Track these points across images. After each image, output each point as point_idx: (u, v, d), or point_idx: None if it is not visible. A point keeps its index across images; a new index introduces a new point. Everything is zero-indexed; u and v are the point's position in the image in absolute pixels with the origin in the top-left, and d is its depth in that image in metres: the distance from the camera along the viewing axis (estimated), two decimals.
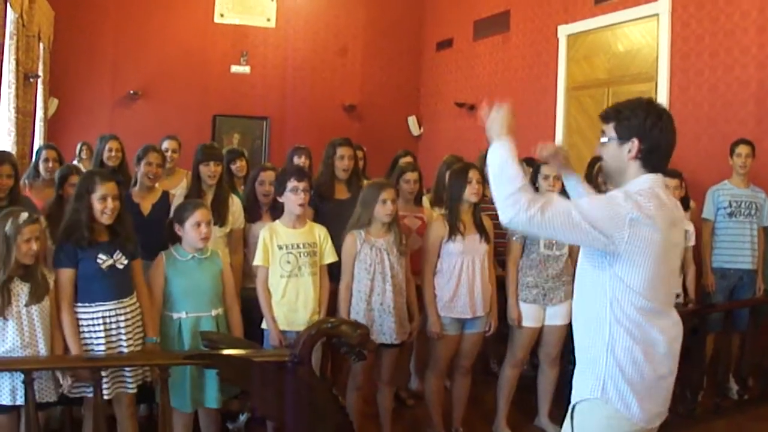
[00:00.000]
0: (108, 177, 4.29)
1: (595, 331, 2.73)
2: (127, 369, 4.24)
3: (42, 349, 4.00)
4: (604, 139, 2.83)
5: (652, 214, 2.57)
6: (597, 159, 7.52)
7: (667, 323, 2.71)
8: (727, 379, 6.34)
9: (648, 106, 2.76)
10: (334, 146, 5.79)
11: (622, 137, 2.75)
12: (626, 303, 2.64)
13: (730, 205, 6.39)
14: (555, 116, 9.97)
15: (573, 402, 2.80)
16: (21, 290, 3.92)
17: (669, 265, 2.72)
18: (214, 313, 4.56)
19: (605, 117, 2.84)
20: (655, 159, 2.73)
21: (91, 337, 4.15)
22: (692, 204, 6.62)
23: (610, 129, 2.80)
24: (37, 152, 6.53)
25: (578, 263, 2.90)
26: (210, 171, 5.43)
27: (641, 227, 2.56)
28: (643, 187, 2.68)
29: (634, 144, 2.72)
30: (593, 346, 2.73)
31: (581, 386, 2.77)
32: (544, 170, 5.23)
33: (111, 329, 4.18)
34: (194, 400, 4.46)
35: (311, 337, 3.98)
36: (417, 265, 5.17)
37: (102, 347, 4.14)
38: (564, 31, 9.91)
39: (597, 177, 5.85)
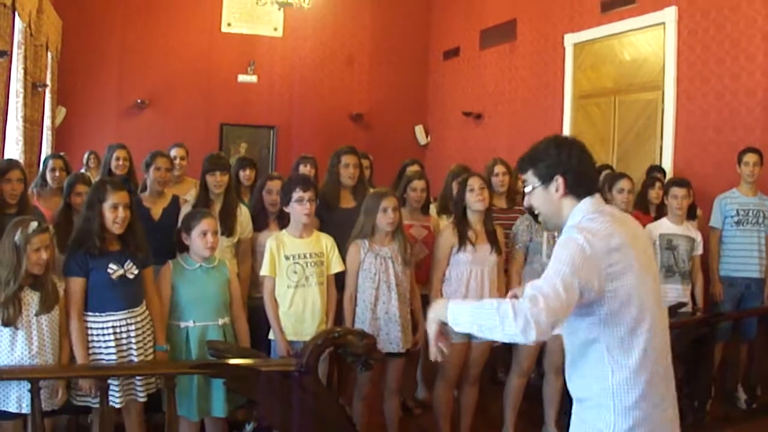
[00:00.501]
0: (119, 186, 4.30)
1: (593, 377, 2.63)
2: (138, 378, 4.24)
3: (50, 359, 4.00)
4: (527, 189, 2.79)
5: (610, 233, 2.51)
6: (603, 168, 7.55)
7: (660, 342, 2.64)
8: (735, 389, 6.32)
9: (556, 141, 2.76)
10: (338, 155, 5.76)
11: (544, 180, 2.71)
12: (608, 341, 2.55)
13: (738, 214, 6.37)
14: (562, 125, 9.95)
15: None
16: (31, 299, 3.92)
17: (650, 272, 2.63)
18: (221, 322, 4.57)
19: (521, 167, 2.82)
20: (584, 186, 2.68)
21: (101, 347, 4.15)
22: (699, 212, 6.61)
23: (530, 176, 2.77)
24: (44, 161, 6.55)
25: None
26: (216, 180, 5.44)
27: (611, 253, 2.48)
28: (586, 214, 2.62)
29: (558, 182, 2.68)
30: (598, 388, 2.61)
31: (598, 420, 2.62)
32: None
33: (122, 339, 4.18)
34: (201, 408, 4.45)
35: (318, 346, 3.99)
36: (425, 274, 5.17)
37: (113, 357, 4.14)
38: (570, 39, 9.92)
39: (603, 186, 5.86)
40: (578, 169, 2.67)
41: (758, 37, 7.20)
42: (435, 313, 2.68)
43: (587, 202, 2.66)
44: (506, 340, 2.49)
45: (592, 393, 2.62)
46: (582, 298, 2.45)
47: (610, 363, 2.55)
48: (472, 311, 2.53)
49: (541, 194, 2.74)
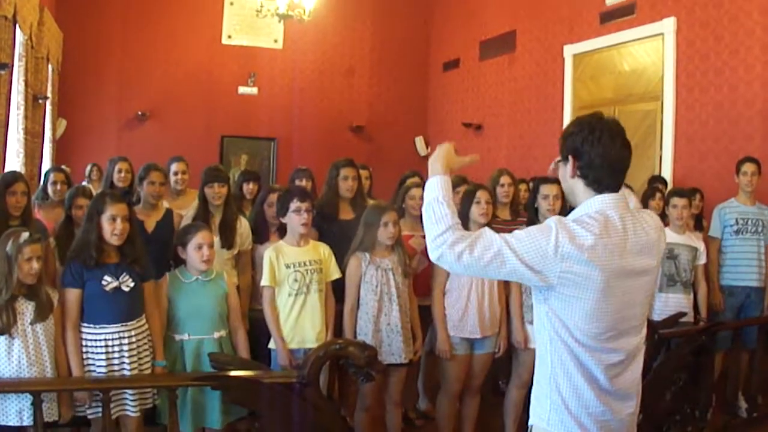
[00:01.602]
0: (118, 198, 4.31)
1: (541, 360, 2.65)
2: (129, 392, 4.22)
3: (48, 367, 4.01)
4: (555, 161, 2.75)
5: (589, 245, 2.42)
6: None
7: (612, 358, 2.54)
8: (736, 398, 6.31)
9: (586, 121, 2.63)
10: (337, 167, 5.77)
11: (564, 157, 2.66)
12: (565, 338, 2.52)
13: (737, 223, 6.38)
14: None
15: (530, 423, 2.73)
16: (25, 309, 3.92)
17: (620, 298, 2.51)
18: (216, 335, 4.56)
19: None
20: (595, 176, 2.57)
21: (93, 359, 4.15)
22: (705, 224, 6.63)
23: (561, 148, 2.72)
24: (45, 174, 6.57)
25: None
26: (215, 192, 5.45)
27: (573, 261, 2.42)
28: (589, 211, 2.56)
29: (570, 162, 2.62)
30: (542, 375, 2.65)
31: (535, 410, 2.69)
32: (543, 190, 5.20)
33: (113, 352, 4.16)
34: (194, 421, 4.43)
35: (319, 358, 4.00)
36: (425, 285, 5.18)
37: (103, 369, 4.13)
38: (570, 50, 9.96)
39: None
40: (590, 157, 2.56)
41: (757, 48, 7.23)
42: (434, 170, 2.70)
43: (599, 200, 2.57)
44: (426, 236, 2.55)
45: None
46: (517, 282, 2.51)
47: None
48: (437, 201, 2.57)
49: (561, 169, 2.69)
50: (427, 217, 2.57)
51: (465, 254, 2.44)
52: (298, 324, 4.81)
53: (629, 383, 2.60)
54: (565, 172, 2.66)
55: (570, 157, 2.61)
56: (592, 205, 2.57)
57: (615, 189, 2.58)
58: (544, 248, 2.43)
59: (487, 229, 2.55)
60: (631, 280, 2.53)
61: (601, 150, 2.54)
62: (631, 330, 2.58)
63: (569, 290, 2.47)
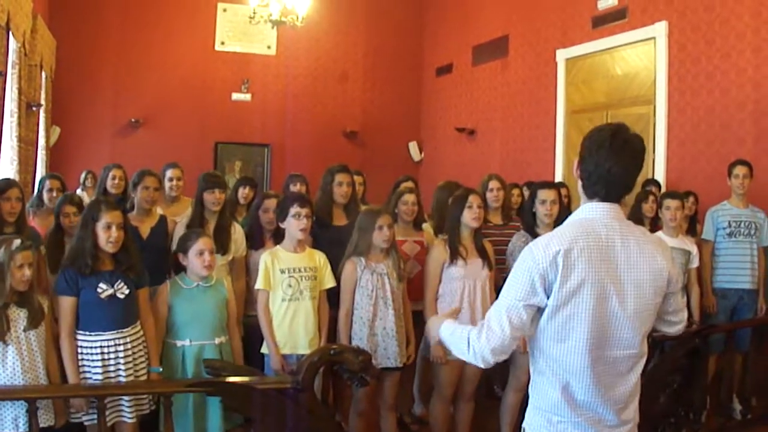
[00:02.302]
0: (113, 206, 4.32)
1: (531, 364, 2.74)
2: (125, 399, 4.22)
3: (41, 374, 4.01)
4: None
5: (565, 249, 2.48)
6: None
7: (596, 368, 2.55)
8: (730, 400, 6.31)
9: (599, 129, 2.66)
10: (332, 173, 5.77)
11: (578, 156, 2.70)
12: (543, 346, 2.60)
13: (730, 225, 6.40)
14: (555, 140, 10.02)
15: (523, 425, 2.80)
16: (18, 316, 3.92)
17: (602, 307, 2.52)
18: (217, 341, 4.58)
19: None
20: (589, 183, 2.62)
21: (88, 366, 4.15)
22: (699, 228, 6.66)
23: None
24: (40, 182, 6.56)
25: None
26: (215, 198, 5.46)
27: (553, 272, 2.49)
28: (574, 218, 2.65)
29: (575, 164, 2.70)
30: (531, 381, 2.74)
31: (527, 412, 2.77)
32: (541, 195, 5.23)
33: (109, 359, 4.17)
34: (197, 428, 4.45)
35: (313, 363, 4.00)
36: (417, 290, 5.18)
37: (99, 376, 4.13)
38: (562, 55, 9.99)
39: None
40: (588, 166, 2.61)
41: (748, 51, 7.26)
42: (434, 330, 2.88)
43: (587, 207, 2.63)
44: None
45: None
46: (537, 314, 2.58)
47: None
48: (451, 336, 2.77)
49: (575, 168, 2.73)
50: (456, 349, 2.72)
51: (490, 356, 2.59)
52: (291, 330, 4.81)
53: (614, 397, 2.59)
54: (575, 172, 2.73)
55: (576, 162, 2.68)
56: (579, 211, 2.65)
57: (606, 198, 2.60)
58: (528, 272, 2.53)
59: (490, 312, 2.66)
60: (614, 288, 2.53)
61: (597, 159, 2.58)
62: (618, 342, 2.56)
63: (552, 298, 2.52)
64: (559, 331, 2.53)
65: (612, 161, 2.55)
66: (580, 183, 2.68)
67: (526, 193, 6.89)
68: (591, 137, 2.63)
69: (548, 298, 2.52)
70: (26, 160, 8.74)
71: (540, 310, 2.56)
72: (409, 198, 5.77)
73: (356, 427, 5.03)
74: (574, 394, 2.55)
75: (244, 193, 6.33)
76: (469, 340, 2.61)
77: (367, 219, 4.96)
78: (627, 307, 2.53)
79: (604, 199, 2.60)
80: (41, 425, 3.93)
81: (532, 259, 2.52)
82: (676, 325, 2.85)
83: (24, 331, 3.92)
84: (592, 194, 2.63)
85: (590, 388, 2.54)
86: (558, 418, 2.58)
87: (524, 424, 2.76)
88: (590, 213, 2.61)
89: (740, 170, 6.42)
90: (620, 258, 2.53)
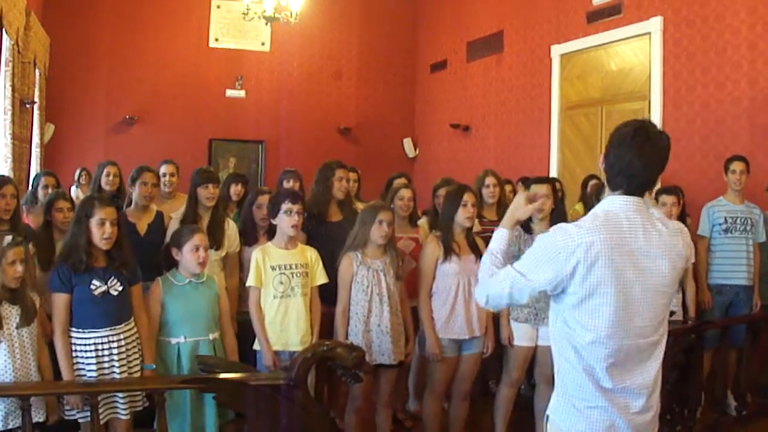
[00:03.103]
0: (107, 202, 4.29)
1: (556, 351, 2.80)
2: (119, 395, 4.21)
3: (33, 372, 4.00)
4: None
5: (587, 242, 2.54)
6: (590, 178, 7.60)
7: (616, 356, 2.60)
8: (725, 396, 6.31)
9: (625, 124, 2.72)
10: (332, 168, 5.71)
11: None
12: (569, 334, 2.67)
13: (726, 222, 6.38)
14: (549, 136, 10.01)
15: (546, 413, 2.85)
16: (10, 313, 3.90)
17: (623, 295, 2.57)
18: (211, 337, 4.57)
19: None
20: (614, 178, 2.68)
21: (82, 363, 4.13)
22: (689, 221, 6.64)
23: None
24: (35, 178, 6.55)
25: None
26: (209, 193, 5.44)
27: (575, 260, 2.55)
28: (597, 210, 2.71)
29: (602, 158, 2.76)
30: (556, 370, 2.81)
31: (552, 402, 2.82)
32: (534, 190, 5.20)
33: (103, 356, 4.15)
34: (194, 425, 4.43)
35: (306, 360, 3.99)
36: (412, 287, 5.17)
37: (93, 373, 4.12)
38: (557, 50, 9.98)
39: (592, 196, 5.86)
40: (612, 159, 2.68)
41: (743, 46, 7.26)
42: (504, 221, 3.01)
43: (609, 200, 2.70)
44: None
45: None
46: (543, 294, 2.73)
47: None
48: (492, 254, 2.90)
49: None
50: (482, 262, 2.93)
51: (485, 302, 2.85)
52: (283, 327, 4.80)
53: (639, 383, 2.65)
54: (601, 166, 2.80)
55: (602, 155, 2.75)
56: (603, 204, 2.71)
57: (628, 192, 2.66)
58: (546, 256, 2.62)
59: (507, 268, 2.77)
60: (637, 278, 2.59)
61: (619, 153, 2.65)
62: (641, 330, 2.63)
63: (576, 288, 2.58)
64: (585, 319, 2.59)
65: (633, 155, 2.62)
66: (605, 176, 2.75)
67: (520, 189, 6.89)
68: (616, 132, 2.70)
69: (567, 286, 2.60)
70: (20, 158, 8.72)
71: (551, 295, 2.71)
72: (406, 194, 5.77)
73: (352, 423, 5.02)
74: (600, 381, 2.61)
75: (236, 189, 6.31)
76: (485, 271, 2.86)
77: (368, 213, 4.95)
78: (648, 295, 2.61)
79: (626, 192, 2.66)
80: (35, 420, 3.92)
81: (554, 246, 2.60)
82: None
83: (17, 328, 3.91)
84: (615, 187, 2.69)
85: (616, 374, 2.60)
86: (585, 403, 2.64)
87: (548, 411, 2.81)
88: (613, 206, 2.67)
89: (737, 166, 6.40)
90: (642, 250, 2.60)
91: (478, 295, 2.89)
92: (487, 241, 5.16)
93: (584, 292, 2.56)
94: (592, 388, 2.61)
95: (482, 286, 2.83)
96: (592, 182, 7.28)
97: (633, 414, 2.64)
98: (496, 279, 2.74)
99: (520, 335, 5.14)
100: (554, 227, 2.67)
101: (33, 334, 4.02)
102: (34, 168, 9.76)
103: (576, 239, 2.55)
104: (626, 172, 2.63)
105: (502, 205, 6.15)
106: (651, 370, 2.68)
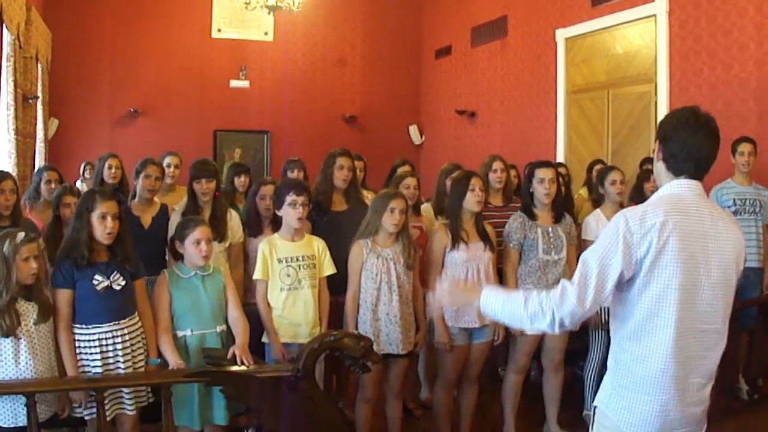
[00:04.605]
0: (108, 196, 4.26)
1: (615, 342, 2.74)
2: (125, 390, 4.19)
3: (54, 366, 4.01)
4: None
5: (660, 222, 2.52)
6: (595, 162, 7.55)
7: (672, 339, 2.56)
8: (736, 380, 6.28)
9: (678, 111, 2.76)
10: (333, 156, 5.69)
11: (657, 139, 2.77)
12: (629, 318, 2.62)
13: (735, 204, 6.33)
14: (556, 120, 9.96)
15: (594, 404, 2.82)
16: (26, 310, 3.88)
17: (681, 280, 2.53)
18: (218, 329, 4.54)
19: None
20: (676, 163, 2.68)
21: (87, 359, 4.11)
22: None
23: None
24: (37, 173, 6.50)
25: None
26: (202, 188, 5.44)
27: (648, 243, 2.52)
28: (662, 194, 2.70)
29: (657, 146, 2.75)
30: (608, 360, 2.77)
31: (599, 392, 2.79)
32: (539, 173, 5.16)
33: (108, 351, 4.12)
34: (203, 417, 4.41)
35: (314, 350, 3.97)
36: (417, 275, 5.13)
37: (98, 369, 4.09)
38: (562, 34, 9.91)
39: (596, 180, 5.81)
40: (674, 145, 2.68)
41: (750, 27, 7.18)
42: (463, 298, 2.87)
43: (675, 184, 2.70)
44: (527, 330, 2.79)
45: None
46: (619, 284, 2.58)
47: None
48: (503, 304, 2.70)
49: (656, 150, 2.80)
50: (511, 321, 2.81)
51: (569, 323, 2.58)
52: (291, 319, 4.78)
53: (699, 372, 2.66)
54: (656, 154, 2.79)
55: (658, 142, 2.75)
56: (668, 188, 2.70)
57: (693, 176, 2.69)
58: (617, 242, 2.55)
59: (570, 282, 2.60)
60: (705, 263, 2.58)
61: (683, 138, 2.66)
62: (706, 316, 2.61)
63: (645, 271, 2.54)
64: (652, 304, 2.56)
65: (701, 136, 2.67)
66: (662, 165, 2.73)
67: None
68: (671, 120, 2.73)
69: (638, 270, 2.55)
70: (24, 153, 8.73)
71: (624, 281, 2.59)
72: (411, 182, 5.75)
73: (362, 413, 5.00)
74: (661, 371, 2.58)
75: (240, 181, 6.29)
76: (542, 307, 2.57)
77: (381, 200, 4.91)
78: (714, 281, 2.60)
79: (692, 177, 2.69)
80: (40, 418, 3.90)
81: (626, 229, 2.55)
82: None
83: (35, 324, 3.89)
84: (678, 172, 2.69)
85: (678, 364, 2.58)
86: (644, 397, 2.60)
87: (596, 402, 2.78)
88: (678, 189, 2.68)
89: (745, 147, 6.36)
90: (710, 233, 2.61)
91: (558, 328, 2.60)
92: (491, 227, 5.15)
93: (652, 274, 2.53)
94: (652, 380, 2.58)
95: (542, 317, 2.58)
96: (597, 167, 7.22)
97: (687, 405, 2.64)
98: (562, 290, 2.57)
99: None
100: (619, 213, 2.64)
101: (51, 330, 4.00)
102: (39, 163, 9.73)
103: (649, 220, 2.53)
104: (695, 155, 2.66)
105: (507, 191, 6.10)
106: (712, 360, 2.68)
